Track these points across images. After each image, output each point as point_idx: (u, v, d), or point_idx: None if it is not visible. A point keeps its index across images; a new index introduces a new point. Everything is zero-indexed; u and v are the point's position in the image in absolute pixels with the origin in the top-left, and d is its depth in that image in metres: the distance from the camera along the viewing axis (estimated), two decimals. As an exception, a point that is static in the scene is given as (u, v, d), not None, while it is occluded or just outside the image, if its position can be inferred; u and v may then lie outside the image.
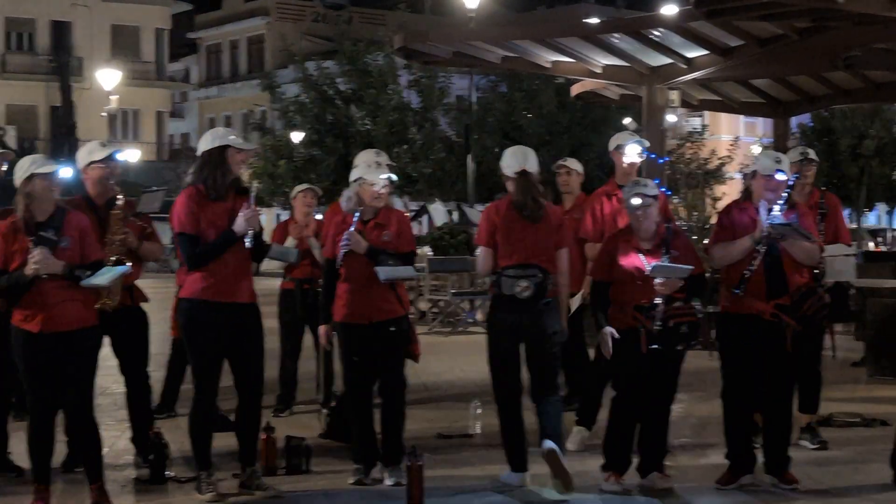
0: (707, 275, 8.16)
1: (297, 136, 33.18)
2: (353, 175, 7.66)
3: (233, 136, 7.24)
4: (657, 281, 7.03)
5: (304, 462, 7.87)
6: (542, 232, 7.44)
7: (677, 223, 9.01)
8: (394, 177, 7.75)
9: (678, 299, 7.12)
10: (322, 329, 7.88)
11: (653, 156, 12.45)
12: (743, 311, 7.18)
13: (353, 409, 7.69)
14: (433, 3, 52.47)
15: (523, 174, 7.52)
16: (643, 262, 7.12)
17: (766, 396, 7.32)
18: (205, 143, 7.19)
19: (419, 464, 7.01)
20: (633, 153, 8.52)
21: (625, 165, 8.52)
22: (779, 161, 7.25)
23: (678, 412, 9.69)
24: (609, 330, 7.19)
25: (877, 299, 12.70)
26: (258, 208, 7.30)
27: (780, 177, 7.15)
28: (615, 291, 7.26)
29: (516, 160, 7.59)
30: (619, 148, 8.58)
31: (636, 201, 7.20)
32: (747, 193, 7.42)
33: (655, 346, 7.05)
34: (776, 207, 7.05)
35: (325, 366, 9.69)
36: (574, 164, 9.79)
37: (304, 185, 10.53)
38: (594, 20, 23.05)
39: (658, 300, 7.05)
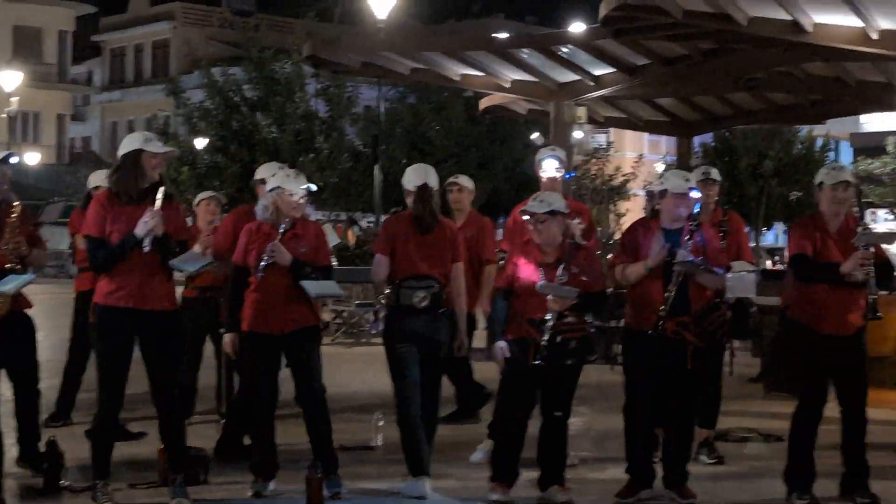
0: (609, 290, 8.22)
1: (200, 143, 32.84)
2: (271, 184, 7.61)
3: (149, 140, 7.13)
4: (549, 297, 7.06)
5: (202, 473, 7.77)
6: (438, 245, 7.72)
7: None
8: (313, 187, 7.77)
9: (570, 315, 7.15)
10: (228, 337, 7.78)
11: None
12: (646, 327, 7.24)
13: (257, 420, 7.62)
14: (342, 12, 52.40)
15: (424, 188, 7.75)
16: (539, 276, 7.15)
17: (668, 412, 7.39)
18: (122, 148, 7.12)
19: (318, 476, 6.99)
20: (550, 168, 8.56)
21: (544, 180, 8.56)
22: (688, 180, 7.35)
23: (579, 426, 9.78)
24: (500, 345, 7.21)
25: (774, 317, 12.90)
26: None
27: (694, 194, 7.25)
28: (516, 302, 7.29)
29: (417, 175, 7.85)
30: (539, 163, 8.64)
31: (547, 215, 7.25)
32: (654, 213, 7.48)
33: (540, 361, 7.06)
34: (682, 252, 7.11)
35: (227, 376, 9.58)
36: (465, 182, 9.78)
37: (208, 193, 10.38)
38: (503, 35, 23.18)
39: (549, 315, 7.07)
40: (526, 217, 7.34)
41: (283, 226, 7.45)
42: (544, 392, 7.35)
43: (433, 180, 7.84)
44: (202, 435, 8.91)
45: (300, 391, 7.66)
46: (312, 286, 7.45)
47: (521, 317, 7.23)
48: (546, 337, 7.08)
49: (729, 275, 7.83)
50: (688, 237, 7.26)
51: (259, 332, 7.50)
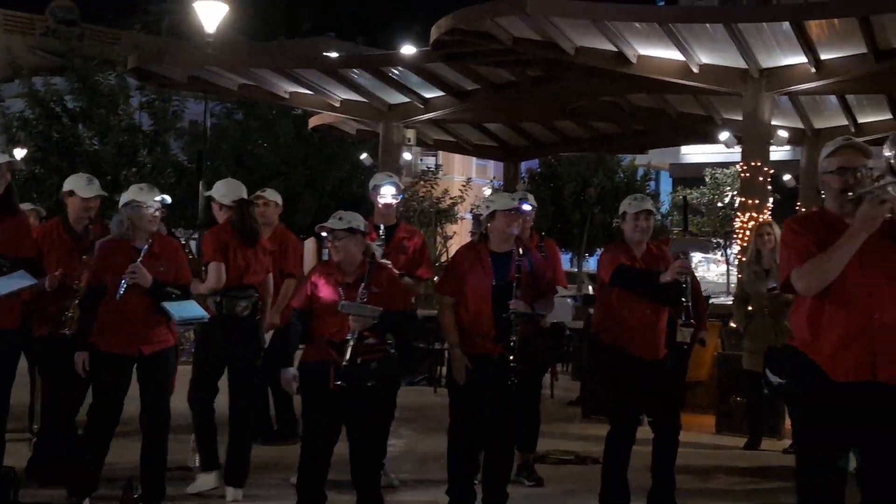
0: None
1: (19, 153, 31.76)
2: (123, 199, 7.38)
3: None
4: (351, 317, 6.98)
5: (12, 493, 7.47)
6: (257, 257, 8.00)
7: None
8: (167, 198, 7.53)
9: (370, 336, 7.07)
10: (83, 356, 7.47)
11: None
12: (472, 350, 7.26)
13: (96, 438, 7.37)
14: (170, 25, 51.43)
15: (245, 201, 8.02)
16: (340, 296, 7.06)
17: (490, 435, 7.41)
18: None
19: (134, 496, 6.80)
20: (387, 194, 8.50)
21: (380, 206, 8.51)
22: (514, 200, 7.38)
23: (401, 447, 9.75)
24: (290, 373, 7.11)
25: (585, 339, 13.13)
26: None
27: (526, 207, 7.28)
28: (315, 323, 7.16)
29: (233, 189, 8.14)
30: (376, 188, 8.56)
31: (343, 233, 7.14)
32: (483, 237, 7.48)
33: (341, 383, 6.96)
34: (515, 301, 7.19)
35: (41, 393, 9.22)
36: (272, 196, 9.67)
37: (28, 205, 10.04)
38: (334, 54, 23.15)
39: (349, 336, 6.99)
40: (324, 234, 7.21)
41: (144, 245, 7.24)
42: (348, 416, 7.19)
43: (246, 194, 8.17)
44: (12, 453, 8.57)
45: (147, 412, 7.46)
46: (175, 309, 7.27)
47: (321, 338, 7.10)
48: (347, 358, 6.98)
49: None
50: (517, 261, 7.31)
51: (116, 352, 7.27)
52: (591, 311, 8.57)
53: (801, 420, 5.15)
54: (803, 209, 18.12)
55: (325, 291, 7.06)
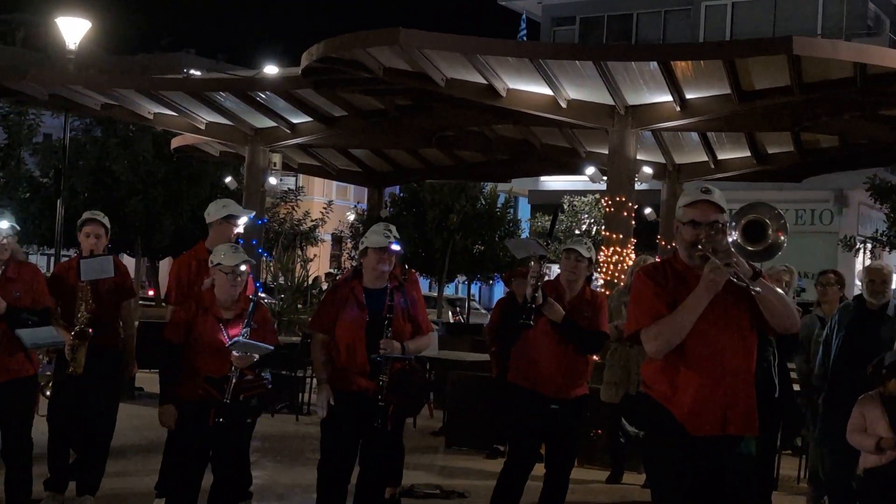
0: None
1: None
2: None
3: None
4: (234, 354, 6.88)
5: None
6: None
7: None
8: (16, 227, 7.33)
9: (248, 372, 6.99)
10: None
11: (253, 218, 12.41)
12: (346, 388, 7.19)
13: None
14: (25, 36, 50.18)
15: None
16: (223, 333, 6.95)
17: (361, 472, 7.34)
18: None
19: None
20: (240, 224, 8.39)
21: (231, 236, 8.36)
22: (388, 233, 7.30)
23: (264, 479, 9.58)
24: (171, 410, 6.97)
25: (457, 371, 13.17)
26: None
27: (395, 247, 7.21)
28: (189, 358, 7.02)
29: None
30: (230, 218, 8.37)
31: (243, 268, 7.05)
32: (357, 272, 7.41)
33: (222, 420, 6.86)
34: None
35: None
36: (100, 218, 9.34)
37: None
38: (195, 71, 22.81)
39: (231, 373, 6.89)
40: (243, 267, 7.12)
41: None
42: (216, 452, 7.09)
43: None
44: None
45: (6, 441, 7.24)
46: (27, 335, 7.03)
47: (197, 374, 6.97)
48: (229, 395, 6.87)
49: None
50: (389, 299, 7.26)
51: None
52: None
53: (658, 471, 5.26)
54: (663, 242, 18.49)
55: (206, 328, 6.94)
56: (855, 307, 8.48)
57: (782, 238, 4.98)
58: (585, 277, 7.85)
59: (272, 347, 6.99)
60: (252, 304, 7.05)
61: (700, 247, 4.97)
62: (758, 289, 4.91)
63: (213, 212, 8.34)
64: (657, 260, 6.52)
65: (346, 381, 7.19)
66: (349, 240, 34.46)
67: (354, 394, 7.18)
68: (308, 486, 8.80)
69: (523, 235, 36.15)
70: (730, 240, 4.96)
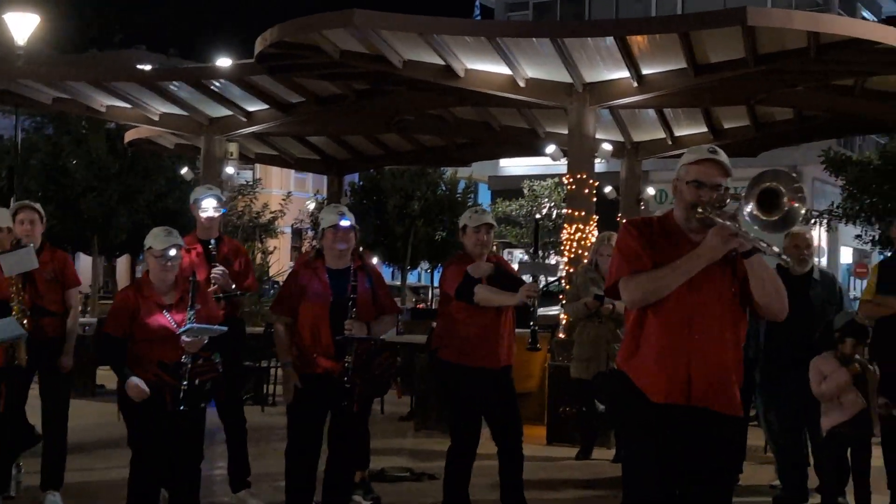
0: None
1: None
2: None
3: None
4: (185, 339, 6.78)
5: None
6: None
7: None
8: None
9: (202, 356, 6.91)
10: None
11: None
12: (311, 370, 7.13)
13: None
14: (-28, 36, 49.60)
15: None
16: (169, 320, 6.86)
17: (330, 455, 7.29)
18: None
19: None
20: (209, 207, 8.31)
21: (203, 220, 8.31)
22: (342, 213, 7.27)
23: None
24: (132, 381, 6.84)
25: (423, 355, 13.13)
26: None
27: (344, 223, 7.16)
28: (137, 348, 6.92)
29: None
30: (197, 202, 8.34)
31: (173, 252, 6.93)
32: (319, 252, 7.38)
33: (183, 407, 6.79)
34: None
35: None
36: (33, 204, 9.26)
37: None
38: (147, 67, 22.61)
39: (185, 358, 6.81)
40: (173, 252, 7.00)
41: None
42: (178, 439, 7.00)
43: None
44: None
45: None
46: None
47: (146, 363, 6.87)
48: (186, 381, 6.79)
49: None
50: (353, 279, 7.21)
51: None
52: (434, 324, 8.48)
53: (625, 444, 5.01)
54: (624, 220, 18.50)
55: (151, 317, 6.84)
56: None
57: (797, 207, 4.53)
58: None
59: (224, 329, 6.91)
60: (192, 284, 6.93)
61: (700, 209, 4.68)
62: (755, 264, 4.63)
63: (190, 198, 8.48)
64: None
65: (311, 364, 7.13)
66: (309, 230, 34.36)
67: (319, 376, 7.12)
68: (277, 475, 8.72)
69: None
70: (746, 210, 4.56)
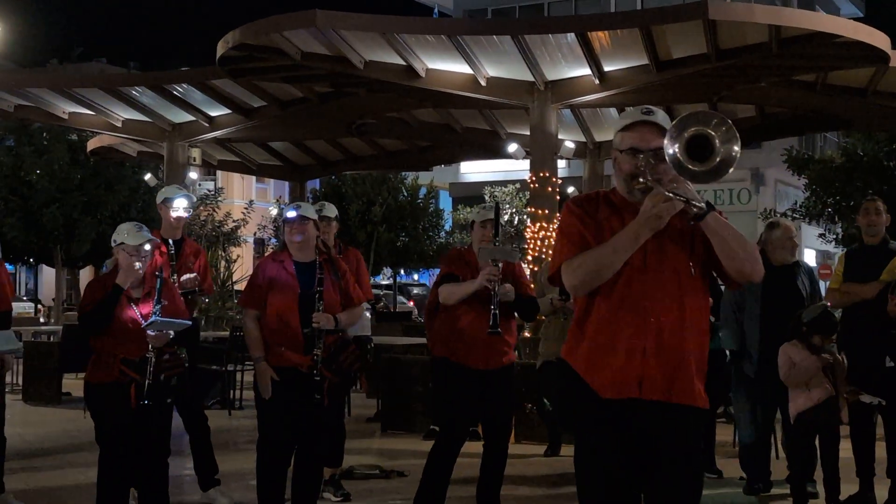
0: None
1: None
2: None
3: None
4: (150, 333, 6.75)
5: None
6: None
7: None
8: None
9: (167, 351, 6.88)
10: None
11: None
12: (280, 363, 7.08)
13: None
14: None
15: None
16: (136, 312, 6.83)
17: (299, 450, 7.24)
18: None
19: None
20: (180, 207, 8.35)
21: (172, 219, 8.33)
22: (297, 206, 7.27)
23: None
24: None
25: (391, 355, 13.11)
26: None
27: (291, 214, 7.16)
28: (102, 343, 6.87)
29: None
30: (167, 201, 8.36)
31: (148, 247, 6.92)
32: (285, 245, 7.36)
33: (147, 402, 6.74)
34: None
35: None
36: None
37: None
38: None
39: (150, 353, 6.77)
40: (148, 247, 7.00)
41: None
42: (145, 435, 6.95)
43: None
44: None
45: None
46: None
47: (112, 357, 6.83)
48: (151, 376, 6.75)
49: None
50: (319, 272, 7.19)
51: None
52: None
53: (575, 448, 4.38)
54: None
55: (120, 308, 6.80)
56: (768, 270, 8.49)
57: (733, 149, 3.92)
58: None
59: (189, 322, 6.91)
60: (159, 280, 6.92)
61: (641, 179, 4.16)
62: (711, 224, 4.08)
63: (157, 198, 8.49)
64: None
65: (281, 357, 7.09)
66: (272, 240, 34.29)
67: (289, 369, 7.08)
68: (245, 474, 8.71)
69: (447, 226, 36.24)
70: (671, 151, 3.97)
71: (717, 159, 3.94)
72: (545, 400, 10.30)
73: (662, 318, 4.13)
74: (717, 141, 3.94)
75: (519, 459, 10.38)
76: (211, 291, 9.02)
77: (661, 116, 4.24)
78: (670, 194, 3.98)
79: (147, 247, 6.93)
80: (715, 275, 4.34)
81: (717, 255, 4.16)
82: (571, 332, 4.32)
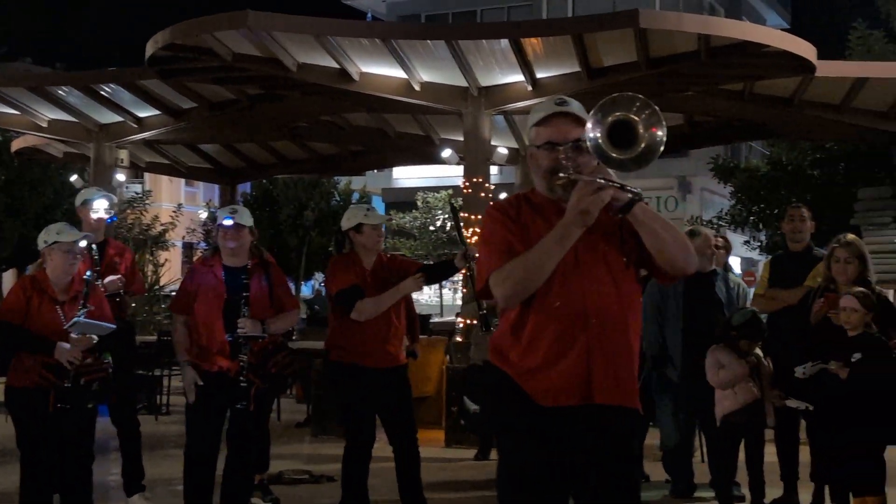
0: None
1: None
2: None
3: None
4: (73, 335, 6.69)
5: None
6: None
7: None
8: None
9: (89, 356, 6.81)
10: None
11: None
12: (208, 368, 7.04)
13: None
14: None
15: None
16: (61, 315, 6.76)
17: (229, 454, 7.20)
18: None
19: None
20: (100, 208, 8.28)
21: (93, 221, 8.25)
22: (233, 212, 7.22)
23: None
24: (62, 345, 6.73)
25: (321, 360, 13.05)
26: None
27: (227, 222, 7.13)
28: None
29: None
30: (87, 203, 8.28)
31: (83, 243, 6.87)
32: (216, 249, 7.34)
33: (63, 405, 6.67)
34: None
35: None
36: None
37: None
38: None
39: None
40: (83, 243, 6.94)
41: None
42: (67, 440, 6.88)
43: None
44: None
45: None
46: None
47: (34, 361, 6.75)
48: (70, 380, 6.68)
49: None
50: (246, 277, 7.16)
51: None
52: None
53: (502, 454, 4.15)
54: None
55: (44, 311, 6.74)
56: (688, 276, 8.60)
57: (658, 134, 3.68)
58: None
59: (114, 326, 6.85)
60: (86, 284, 6.87)
61: (561, 174, 3.93)
62: (639, 215, 3.87)
63: (76, 200, 8.43)
64: None
65: (208, 362, 7.06)
66: (201, 244, 34.03)
67: (215, 374, 7.06)
68: (171, 479, 8.67)
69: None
70: (593, 139, 3.70)
71: (642, 145, 3.69)
72: (467, 402, 10.34)
73: (604, 318, 3.93)
74: (640, 127, 3.68)
75: (449, 464, 10.42)
76: (140, 292, 8.93)
77: (576, 106, 4.04)
78: (602, 181, 3.74)
79: (83, 243, 6.87)
80: (645, 271, 4.14)
81: (647, 247, 3.95)
82: (503, 336, 4.08)
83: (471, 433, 10.93)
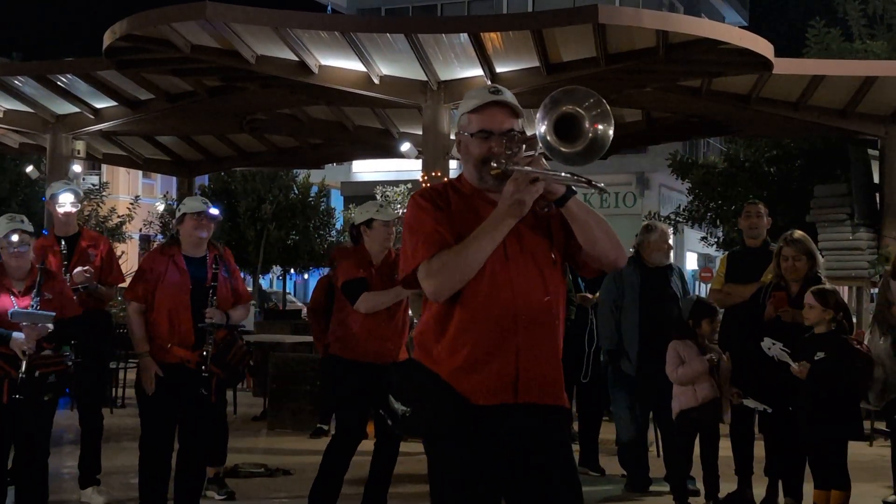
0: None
1: None
2: None
3: None
4: (23, 326, 6.64)
5: None
6: None
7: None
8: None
9: (47, 347, 6.76)
10: None
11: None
12: (167, 360, 7.00)
13: None
14: None
15: None
16: (13, 303, 6.72)
17: (182, 447, 7.17)
18: None
19: None
20: (66, 202, 8.23)
21: (60, 215, 8.19)
22: (206, 203, 7.23)
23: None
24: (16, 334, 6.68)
25: (278, 354, 13.03)
26: None
27: (213, 211, 7.12)
28: None
29: None
30: (54, 197, 8.24)
31: (15, 238, 6.78)
32: (174, 239, 7.30)
33: (19, 396, 6.61)
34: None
35: None
36: None
37: None
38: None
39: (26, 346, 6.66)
40: (15, 238, 6.85)
41: None
42: (22, 432, 6.82)
43: None
44: None
45: None
46: None
47: None
48: (24, 370, 6.62)
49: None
50: (214, 267, 7.14)
51: None
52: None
53: (431, 457, 3.99)
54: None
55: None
56: (639, 270, 8.69)
57: (602, 129, 3.68)
58: None
59: (52, 314, 6.71)
60: (40, 271, 6.81)
61: (494, 164, 3.87)
62: (573, 208, 3.85)
63: (46, 195, 8.47)
64: None
65: (167, 352, 7.02)
66: (158, 236, 33.83)
67: (174, 366, 7.02)
68: (127, 471, 8.61)
69: (338, 225, 36.11)
70: (540, 131, 3.70)
71: (587, 141, 3.70)
72: (393, 402, 10.29)
73: (532, 314, 3.86)
74: (585, 122, 3.70)
75: (406, 457, 10.38)
76: (119, 281, 8.66)
77: (509, 96, 3.99)
78: (538, 172, 3.72)
79: (14, 237, 6.77)
80: (570, 264, 4.11)
81: (578, 241, 3.92)
82: (427, 333, 3.96)
83: (402, 435, 10.89)
